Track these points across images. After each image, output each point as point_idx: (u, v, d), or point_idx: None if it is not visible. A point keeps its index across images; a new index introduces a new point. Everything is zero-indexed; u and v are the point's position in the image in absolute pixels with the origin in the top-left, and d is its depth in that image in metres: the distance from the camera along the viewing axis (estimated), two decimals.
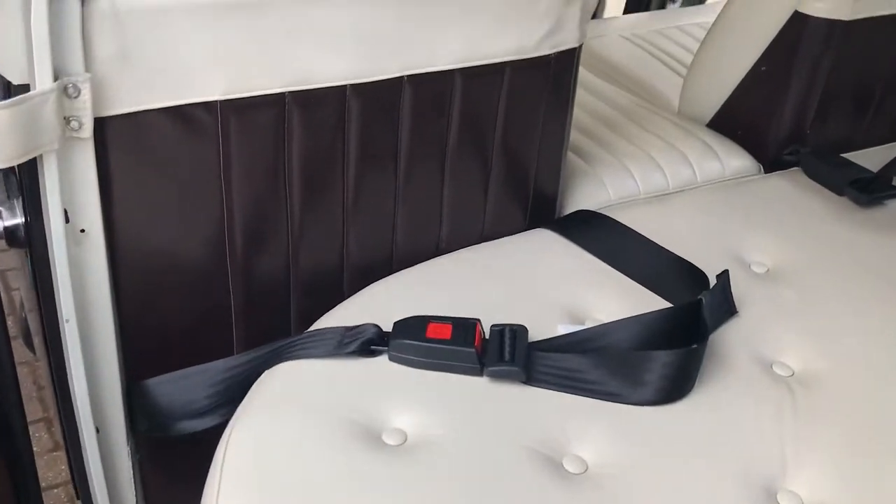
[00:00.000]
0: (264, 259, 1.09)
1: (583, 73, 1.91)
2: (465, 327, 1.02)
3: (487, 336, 1.03)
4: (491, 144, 1.20)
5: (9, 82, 0.84)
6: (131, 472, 1.15)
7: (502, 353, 1.00)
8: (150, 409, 1.08)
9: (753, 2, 1.55)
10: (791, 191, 1.49)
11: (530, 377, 0.99)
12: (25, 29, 0.81)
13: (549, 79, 1.20)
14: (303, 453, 0.90)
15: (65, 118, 0.86)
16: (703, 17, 2.26)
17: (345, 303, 1.13)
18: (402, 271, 1.19)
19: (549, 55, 1.18)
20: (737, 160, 1.59)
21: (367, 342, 1.02)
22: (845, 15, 1.46)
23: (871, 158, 1.58)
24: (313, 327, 1.09)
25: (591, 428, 0.95)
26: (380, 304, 1.12)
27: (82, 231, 0.95)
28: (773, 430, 0.98)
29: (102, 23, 0.86)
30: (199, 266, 1.06)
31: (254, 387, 1.01)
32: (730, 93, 1.64)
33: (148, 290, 1.04)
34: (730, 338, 1.10)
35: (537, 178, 1.30)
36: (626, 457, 0.92)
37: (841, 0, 1.44)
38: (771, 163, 1.59)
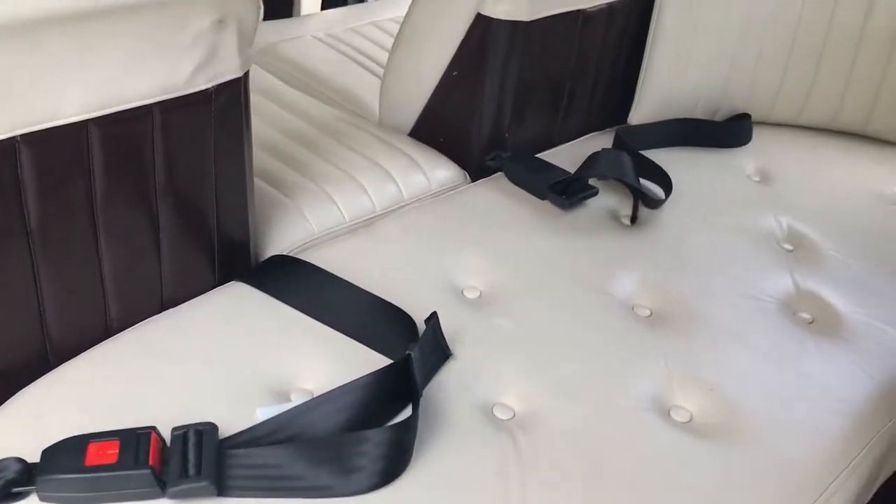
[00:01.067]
0: None
1: (274, 84, 1.76)
2: (136, 441, 0.83)
3: (169, 444, 0.86)
4: (153, 197, 1.01)
5: None
6: None
7: (186, 464, 0.83)
8: None
9: (436, 4, 1.47)
10: (496, 200, 1.44)
11: (223, 487, 0.83)
12: None
13: (211, 115, 1.03)
14: None
15: None
16: (399, 11, 2.18)
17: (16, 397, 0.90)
18: (57, 369, 0.97)
19: (207, 89, 1.01)
20: (442, 171, 1.52)
21: (9, 483, 0.80)
22: (524, 16, 1.43)
23: (569, 154, 1.57)
24: None
25: None
26: (26, 420, 0.90)
27: None
28: (499, 486, 0.90)
29: None
30: None
31: None
32: (426, 99, 1.56)
33: None
34: (447, 386, 1.01)
35: (220, 225, 1.12)
36: None
37: (518, 1, 1.41)
38: (476, 170, 1.54)
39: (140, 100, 0.93)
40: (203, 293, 1.13)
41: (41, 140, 0.87)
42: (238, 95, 1.06)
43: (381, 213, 1.39)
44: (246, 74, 1.06)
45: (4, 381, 0.95)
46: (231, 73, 1.02)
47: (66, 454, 0.81)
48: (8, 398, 0.94)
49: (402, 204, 1.42)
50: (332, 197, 1.36)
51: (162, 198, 1.02)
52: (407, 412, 0.92)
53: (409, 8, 1.50)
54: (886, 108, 1.75)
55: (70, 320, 0.99)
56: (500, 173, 1.52)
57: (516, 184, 1.48)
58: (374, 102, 1.71)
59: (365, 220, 1.36)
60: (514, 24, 1.44)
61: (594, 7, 1.53)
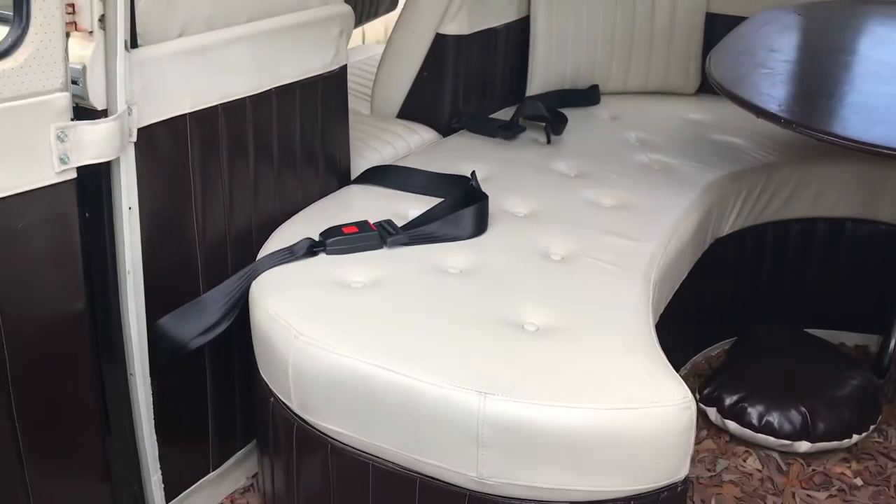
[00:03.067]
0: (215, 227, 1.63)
1: None
2: (363, 225, 1.69)
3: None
4: (296, 136, 1.87)
5: (94, 108, 1.31)
6: (151, 407, 1.57)
7: (389, 233, 1.69)
8: (168, 341, 1.54)
9: (410, 29, 2.42)
10: (466, 142, 2.38)
11: (409, 240, 1.70)
12: (108, 75, 1.30)
13: (340, 85, 1.91)
14: (300, 294, 1.50)
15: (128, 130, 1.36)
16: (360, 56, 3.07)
17: (275, 233, 1.71)
18: (295, 216, 1.80)
19: (341, 68, 1.89)
20: (425, 133, 2.45)
21: (310, 247, 1.64)
22: (465, 31, 2.41)
23: (497, 116, 2.55)
24: (262, 254, 1.65)
25: (455, 253, 1.69)
26: (298, 228, 1.72)
27: (130, 208, 1.42)
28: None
29: (133, 67, 1.37)
30: (185, 231, 1.56)
31: (253, 287, 1.56)
32: (406, 94, 2.49)
33: (161, 252, 1.52)
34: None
35: (338, 153, 1.99)
36: (481, 262, 1.68)
37: (462, 22, 2.38)
38: (445, 131, 2.48)
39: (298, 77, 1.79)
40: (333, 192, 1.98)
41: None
42: (345, 75, 1.94)
43: (404, 156, 2.28)
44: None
45: (260, 230, 1.76)
46: (344, 61, 1.91)
47: (334, 232, 1.66)
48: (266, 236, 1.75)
49: (410, 152, 2.33)
50: (377, 148, 2.25)
51: (301, 135, 1.86)
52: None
53: (391, 33, 2.44)
54: (675, 75, 2.86)
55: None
56: (462, 131, 2.46)
57: (474, 132, 2.43)
58: (362, 108, 2.61)
59: (398, 159, 2.25)
60: (459, 38, 2.40)
61: (500, 25, 2.53)
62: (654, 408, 1.26)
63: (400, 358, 1.34)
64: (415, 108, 2.51)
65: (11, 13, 1.19)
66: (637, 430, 1.25)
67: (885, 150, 1.40)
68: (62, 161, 1.25)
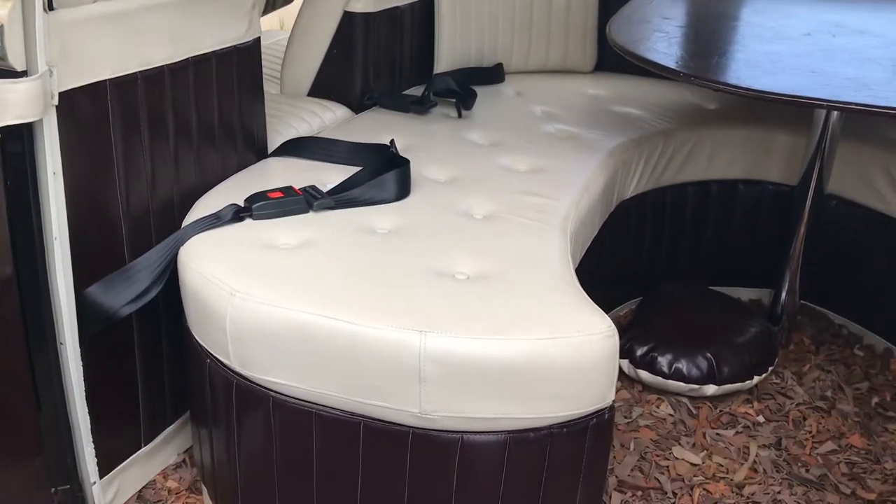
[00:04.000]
0: (138, 196, 1.62)
1: None
2: (288, 190, 1.72)
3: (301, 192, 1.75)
4: (214, 104, 1.88)
5: (13, 69, 1.29)
6: (82, 377, 1.55)
7: (314, 197, 1.72)
8: (97, 310, 1.53)
9: (318, 7, 2.44)
10: (381, 117, 2.43)
11: (336, 204, 1.73)
12: (26, 35, 1.29)
13: (256, 56, 1.93)
14: (231, 255, 1.53)
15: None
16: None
17: (198, 202, 1.72)
18: (216, 186, 1.81)
19: (255, 39, 1.90)
20: (338, 109, 2.48)
21: (236, 213, 1.65)
22: (373, 9, 2.45)
23: (408, 93, 2.61)
24: (187, 220, 1.66)
25: (381, 216, 1.74)
26: (221, 198, 1.73)
27: (54, 173, 1.40)
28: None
29: (52, 29, 1.36)
30: (108, 200, 1.55)
31: (181, 252, 1.56)
32: (316, 72, 2.51)
33: (86, 220, 1.50)
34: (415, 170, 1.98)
35: (255, 125, 2.00)
36: (407, 222, 1.73)
37: (368, 1, 2.43)
38: (356, 108, 2.51)
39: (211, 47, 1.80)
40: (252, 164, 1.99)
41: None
42: (259, 48, 1.96)
43: (318, 132, 2.31)
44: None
45: (182, 199, 1.76)
46: (257, 33, 1.93)
47: (259, 197, 1.68)
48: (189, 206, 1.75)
49: (325, 128, 2.36)
50: (292, 124, 2.27)
51: (219, 107, 1.88)
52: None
53: (299, 12, 2.46)
54: (573, 54, 2.99)
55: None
56: (374, 108, 2.50)
57: (386, 108, 2.48)
58: (271, 88, 2.62)
59: (313, 134, 2.28)
60: (367, 15, 2.45)
61: (405, 5, 2.59)
62: (580, 336, 1.35)
63: (339, 306, 1.38)
64: (325, 86, 2.54)
65: None
66: (566, 358, 1.34)
67: (773, 96, 1.54)
68: None
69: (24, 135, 1.35)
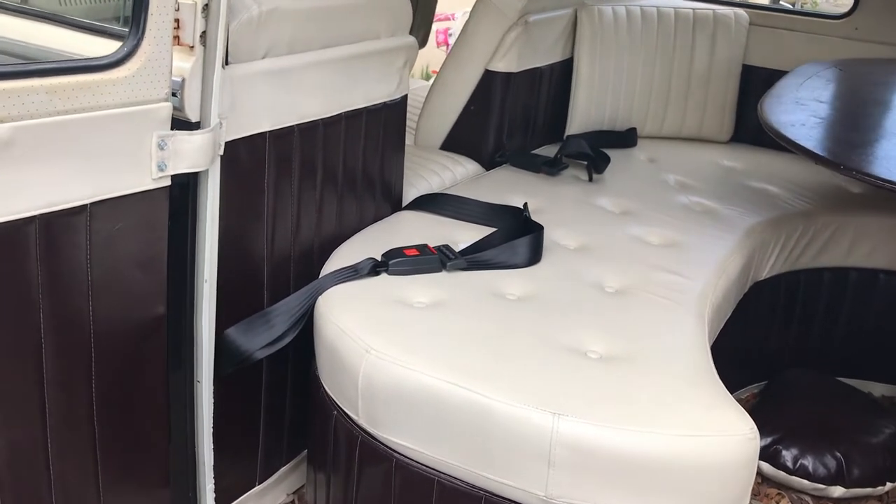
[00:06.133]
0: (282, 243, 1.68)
1: None
2: (423, 248, 1.73)
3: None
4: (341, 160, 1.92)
5: (188, 120, 1.36)
6: (212, 415, 1.59)
7: (448, 257, 1.73)
8: (235, 351, 1.57)
9: (461, 63, 2.48)
10: (510, 176, 2.44)
11: (468, 265, 1.74)
12: (204, 89, 1.35)
13: (402, 112, 1.97)
14: (367, 310, 1.55)
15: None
16: None
17: (336, 251, 1.76)
18: (353, 237, 1.85)
19: (402, 97, 1.95)
20: (469, 165, 2.50)
21: (374, 267, 1.68)
22: (514, 69, 2.47)
23: (540, 152, 2.61)
24: (326, 269, 1.69)
25: (511, 281, 1.73)
26: (357, 249, 1.76)
27: (213, 219, 1.46)
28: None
29: (225, 83, 1.42)
30: (255, 245, 1.60)
31: (319, 302, 1.60)
32: (451, 126, 2.55)
33: (232, 264, 1.56)
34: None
35: (394, 180, 2.04)
36: (537, 290, 1.72)
37: (511, 60, 2.45)
38: (487, 164, 2.53)
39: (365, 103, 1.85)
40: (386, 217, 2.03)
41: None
42: (406, 104, 2.00)
43: (450, 186, 2.33)
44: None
45: (320, 248, 1.80)
46: (406, 90, 1.97)
47: (396, 253, 1.71)
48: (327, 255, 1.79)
49: (456, 182, 2.38)
50: (425, 177, 2.30)
51: (363, 160, 1.91)
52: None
53: (442, 65, 2.51)
54: (709, 123, 2.93)
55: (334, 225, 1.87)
56: (505, 164, 2.51)
57: (517, 167, 2.49)
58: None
59: (445, 189, 2.30)
60: (507, 75, 2.47)
61: (545, 66, 2.60)
62: (721, 436, 1.29)
63: (471, 376, 1.38)
64: (459, 141, 2.57)
65: (112, 25, 1.25)
66: (704, 458, 1.28)
67: None
68: (160, 168, 1.30)
69: (190, 182, 1.41)
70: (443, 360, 1.42)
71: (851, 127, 1.97)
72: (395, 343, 1.46)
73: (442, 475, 1.40)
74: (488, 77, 2.48)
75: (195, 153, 1.33)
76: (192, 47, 1.33)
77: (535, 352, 1.47)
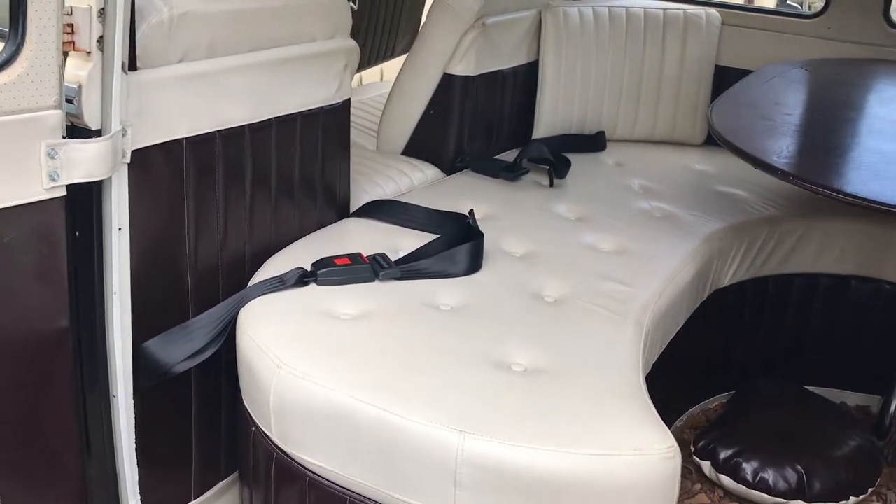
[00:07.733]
0: (208, 253, 1.63)
1: None
2: (356, 257, 1.68)
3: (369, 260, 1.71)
4: (296, 166, 1.85)
5: (88, 128, 1.32)
6: (132, 430, 1.55)
7: (381, 266, 1.68)
8: (153, 364, 1.53)
9: (418, 67, 2.43)
10: (470, 181, 2.38)
11: (402, 275, 1.69)
12: (103, 96, 1.31)
13: (343, 117, 1.92)
14: (288, 322, 1.49)
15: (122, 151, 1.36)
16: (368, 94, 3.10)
17: (268, 261, 1.71)
18: (290, 246, 1.80)
19: (344, 101, 1.90)
20: (430, 170, 2.45)
21: (301, 277, 1.63)
22: (473, 72, 2.42)
23: (501, 157, 2.55)
24: (255, 279, 1.64)
25: (447, 290, 1.68)
26: (292, 258, 1.72)
27: (120, 229, 1.41)
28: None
29: (131, 89, 1.38)
30: (176, 255, 1.56)
31: (240, 314, 1.55)
32: (412, 131, 2.50)
33: (151, 275, 1.51)
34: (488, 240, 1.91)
35: (339, 187, 1.99)
36: (472, 300, 1.66)
37: (469, 63, 2.40)
38: (448, 169, 2.48)
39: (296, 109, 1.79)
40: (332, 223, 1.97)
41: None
42: (348, 109, 1.95)
43: (406, 192, 2.28)
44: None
45: (253, 257, 1.75)
46: (347, 94, 1.92)
47: (326, 263, 1.65)
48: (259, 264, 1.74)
49: (413, 188, 2.32)
50: (379, 183, 2.25)
51: (300, 166, 1.86)
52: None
53: (400, 71, 2.46)
54: (682, 125, 2.86)
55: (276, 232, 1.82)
56: (466, 170, 2.45)
57: (478, 172, 2.43)
58: (368, 143, 2.62)
59: (400, 195, 2.25)
60: (466, 78, 2.42)
61: (508, 69, 2.55)
62: (637, 455, 1.23)
63: (382, 393, 1.32)
64: (420, 146, 2.52)
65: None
66: (619, 478, 1.22)
67: (880, 206, 1.38)
68: (51, 178, 1.26)
69: (93, 190, 1.37)
70: (354, 376, 1.37)
71: (807, 132, 1.90)
72: (309, 358, 1.41)
73: (354, 495, 1.35)
74: (447, 81, 2.42)
75: (91, 162, 1.29)
76: (90, 53, 1.29)
77: (455, 365, 1.42)
